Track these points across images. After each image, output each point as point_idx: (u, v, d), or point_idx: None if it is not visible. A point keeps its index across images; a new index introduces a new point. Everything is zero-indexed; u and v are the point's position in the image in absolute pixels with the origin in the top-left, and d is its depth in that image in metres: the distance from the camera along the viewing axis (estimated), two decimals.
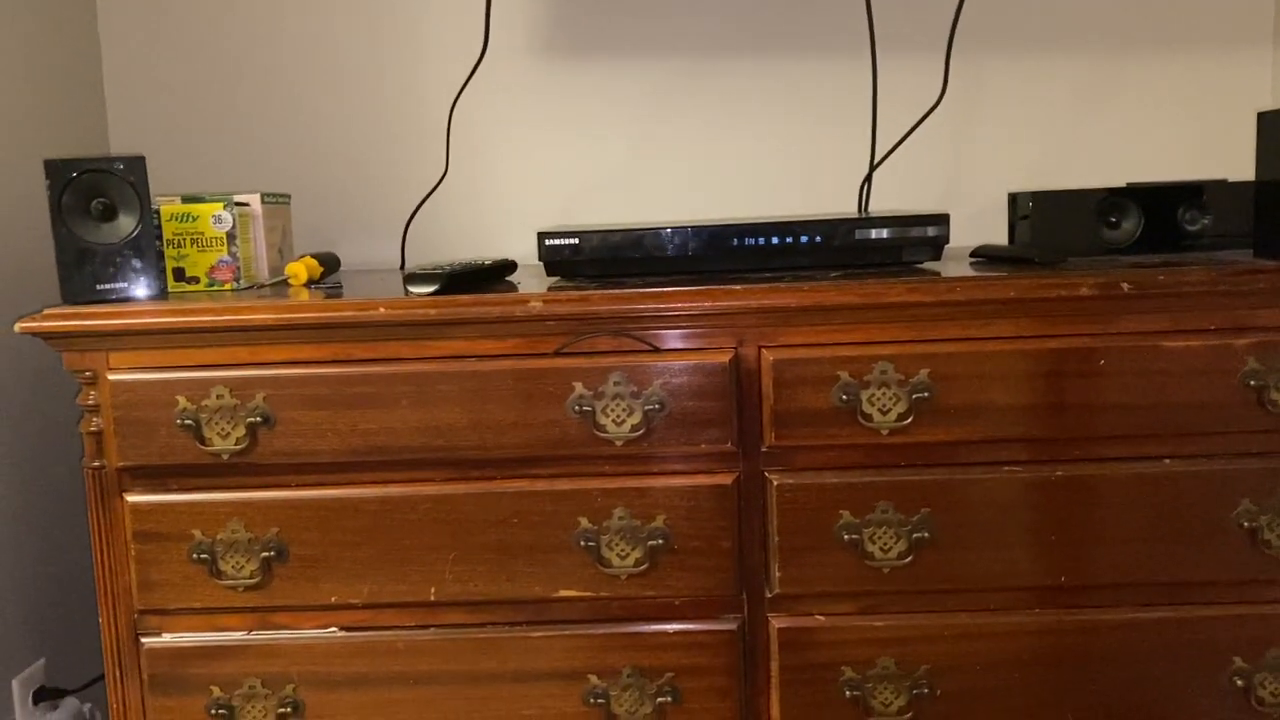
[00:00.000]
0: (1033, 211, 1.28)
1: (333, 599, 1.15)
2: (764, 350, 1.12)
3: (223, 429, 1.13)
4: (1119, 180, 1.58)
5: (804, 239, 1.21)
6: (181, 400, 1.12)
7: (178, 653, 1.17)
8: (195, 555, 1.14)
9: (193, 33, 1.61)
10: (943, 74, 1.47)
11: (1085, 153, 1.60)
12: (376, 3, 1.60)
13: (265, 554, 1.14)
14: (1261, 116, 1.14)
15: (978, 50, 1.59)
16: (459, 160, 1.61)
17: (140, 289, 1.18)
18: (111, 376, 1.13)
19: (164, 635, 1.17)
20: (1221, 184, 1.28)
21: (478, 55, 1.49)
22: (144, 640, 1.17)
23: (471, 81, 1.51)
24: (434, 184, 1.56)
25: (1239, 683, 1.13)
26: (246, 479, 1.14)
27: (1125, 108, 1.59)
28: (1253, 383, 1.09)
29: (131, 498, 1.15)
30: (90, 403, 1.14)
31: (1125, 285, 1.08)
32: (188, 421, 1.12)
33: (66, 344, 1.13)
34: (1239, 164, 1.58)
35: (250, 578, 1.15)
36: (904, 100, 1.59)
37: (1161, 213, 1.27)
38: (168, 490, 1.15)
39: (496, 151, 1.62)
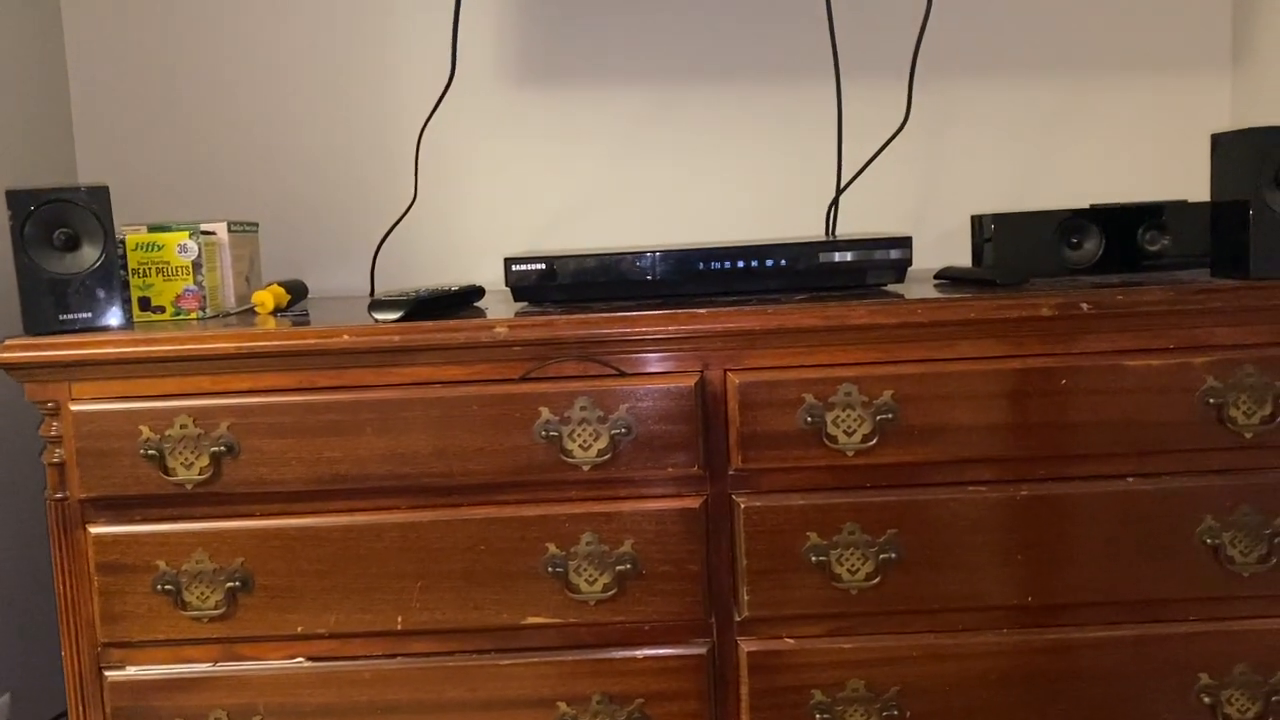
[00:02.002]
0: (996, 233, 1.29)
1: (299, 629, 1.14)
2: (730, 373, 1.12)
3: (186, 459, 1.12)
4: (1083, 202, 1.60)
5: (769, 263, 1.22)
6: (145, 430, 1.12)
7: (142, 686, 1.15)
8: (159, 586, 1.13)
9: (160, 62, 1.61)
10: (906, 99, 1.48)
11: (1049, 175, 1.62)
12: (344, 31, 1.61)
13: (230, 584, 1.13)
14: (1215, 138, 1.15)
15: (942, 76, 1.61)
16: (428, 187, 1.62)
17: (104, 319, 1.17)
18: (74, 407, 1.12)
19: (128, 668, 1.16)
20: (1181, 205, 1.30)
21: (445, 82, 1.50)
22: (107, 673, 1.15)
23: (440, 109, 1.51)
24: (403, 211, 1.57)
25: (1206, 700, 1.13)
26: (211, 509, 1.14)
27: (1088, 130, 1.62)
28: (1212, 401, 1.10)
29: (94, 529, 1.14)
30: (53, 434, 1.13)
31: (1085, 305, 1.09)
32: (151, 452, 1.11)
33: (28, 375, 1.12)
34: (1200, 186, 1.61)
35: (215, 608, 1.13)
36: (870, 125, 1.60)
37: (1122, 233, 1.29)
38: (131, 521, 1.14)
39: (465, 178, 1.63)
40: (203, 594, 1.13)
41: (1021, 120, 1.62)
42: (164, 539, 1.13)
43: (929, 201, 1.63)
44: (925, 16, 1.43)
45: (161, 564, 1.13)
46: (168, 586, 1.13)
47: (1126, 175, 1.62)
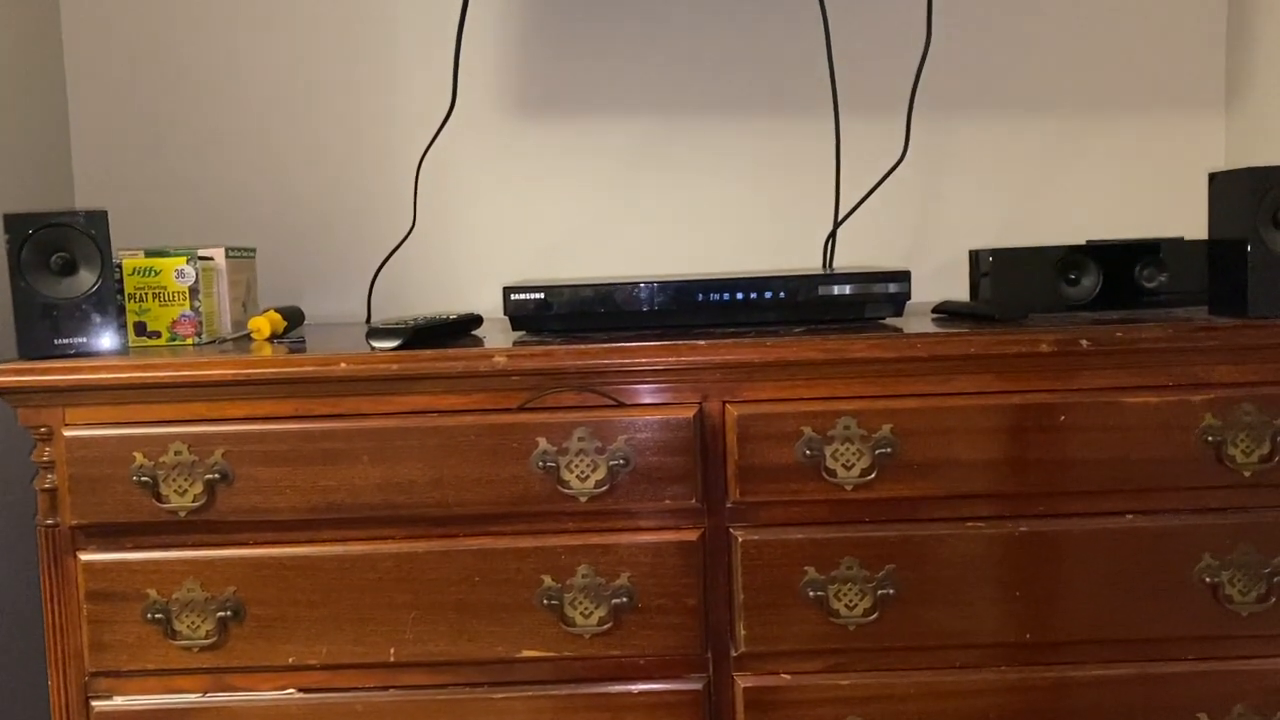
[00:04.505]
0: (993, 268, 1.29)
1: (290, 660, 1.13)
2: (728, 405, 1.12)
3: (180, 486, 1.11)
4: (1078, 237, 1.61)
5: (768, 294, 1.22)
6: (138, 457, 1.11)
7: (130, 716, 1.13)
8: (150, 615, 1.12)
9: (159, 87, 1.61)
10: (904, 133, 1.49)
11: (1046, 211, 1.63)
12: (345, 58, 1.61)
13: (221, 614, 1.12)
14: (1213, 177, 1.16)
15: (940, 111, 1.62)
16: (426, 215, 1.62)
17: (99, 344, 1.16)
18: (67, 433, 1.11)
19: (116, 698, 1.14)
20: (1178, 242, 1.30)
21: (445, 112, 1.50)
22: (95, 704, 1.14)
23: (440, 137, 1.52)
24: (401, 238, 1.57)
25: None
26: (203, 537, 1.12)
27: (1085, 167, 1.63)
28: (1210, 439, 1.10)
29: (85, 556, 1.12)
30: (45, 459, 1.12)
31: (1084, 342, 1.09)
32: (144, 478, 1.10)
33: (21, 400, 1.11)
34: (1194, 222, 1.61)
35: (206, 638, 1.12)
36: (868, 159, 1.61)
37: (1120, 270, 1.29)
38: (122, 549, 1.13)
39: (464, 206, 1.63)
40: (193, 623, 1.12)
41: (1017, 156, 1.63)
42: (155, 567, 1.12)
43: (925, 235, 1.64)
44: (924, 52, 1.45)
45: (152, 592, 1.12)
46: (158, 615, 1.12)
47: (1121, 212, 1.63)
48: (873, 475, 1.10)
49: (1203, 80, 1.61)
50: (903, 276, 1.22)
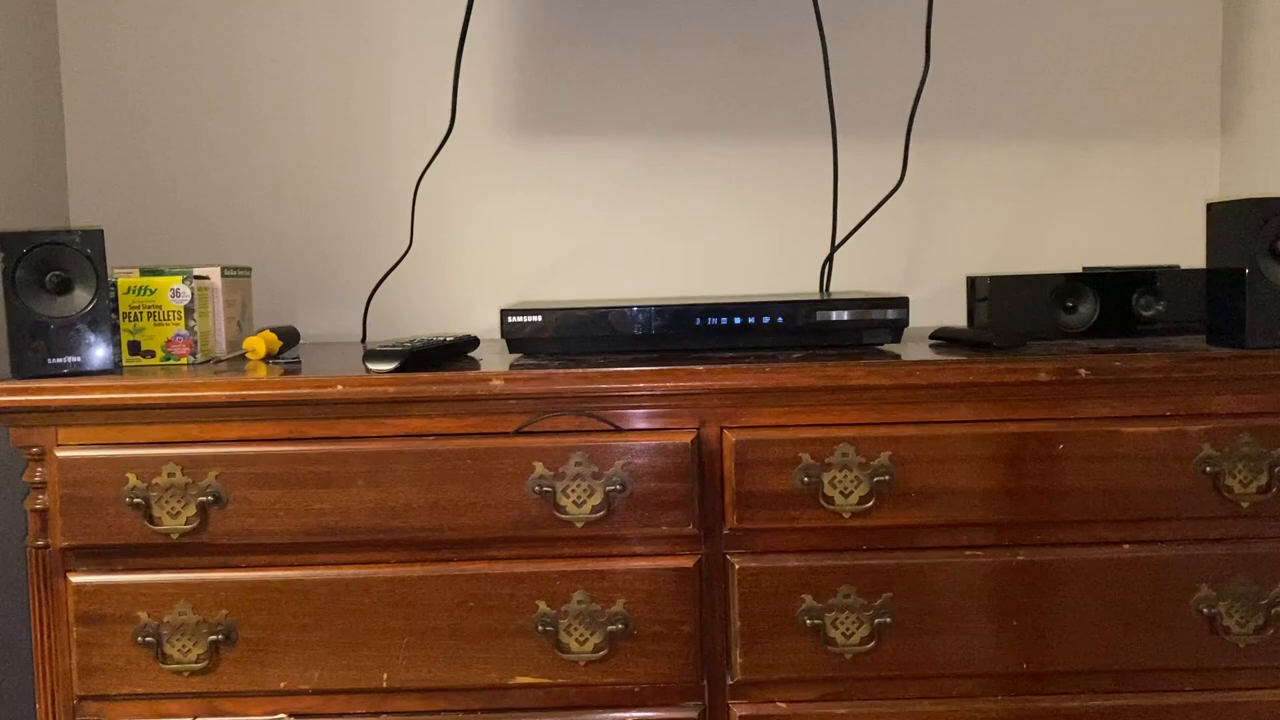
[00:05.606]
0: (991, 295, 1.29)
1: (282, 684, 1.12)
2: (726, 431, 1.11)
3: (173, 508, 1.10)
4: (1074, 264, 1.61)
5: (766, 320, 1.22)
6: (131, 478, 1.10)
7: None
8: (140, 638, 1.11)
9: (156, 104, 1.61)
10: (902, 159, 1.49)
11: (1043, 238, 1.63)
12: (344, 77, 1.61)
13: (213, 637, 1.10)
14: (1210, 208, 1.16)
15: (938, 136, 1.62)
16: (424, 235, 1.61)
17: (93, 363, 1.15)
18: (60, 453, 1.10)
19: None
20: (1174, 270, 1.30)
21: (444, 132, 1.50)
22: None
23: (438, 158, 1.51)
24: (398, 258, 1.56)
25: None
26: (196, 559, 1.11)
27: (1081, 194, 1.63)
28: (1208, 469, 1.09)
29: (75, 578, 1.11)
30: (37, 479, 1.11)
31: (1083, 371, 1.09)
32: (137, 500, 1.09)
33: (14, 419, 1.11)
34: (1190, 251, 1.62)
35: (197, 662, 1.11)
36: (866, 183, 1.61)
37: (1116, 298, 1.30)
38: (113, 571, 1.11)
39: (462, 227, 1.63)
40: (184, 647, 1.11)
41: (1014, 182, 1.63)
42: (146, 589, 1.11)
43: (921, 259, 1.64)
44: (923, 78, 1.45)
45: (143, 615, 1.11)
46: (149, 638, 1.10)
47: (1117, 239, 1.63)
48: (870, 503, 1.10)
49: (1198, 108, 1.62)
50: (901, 303, 1.22)
